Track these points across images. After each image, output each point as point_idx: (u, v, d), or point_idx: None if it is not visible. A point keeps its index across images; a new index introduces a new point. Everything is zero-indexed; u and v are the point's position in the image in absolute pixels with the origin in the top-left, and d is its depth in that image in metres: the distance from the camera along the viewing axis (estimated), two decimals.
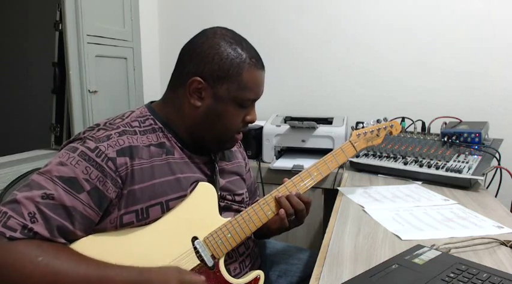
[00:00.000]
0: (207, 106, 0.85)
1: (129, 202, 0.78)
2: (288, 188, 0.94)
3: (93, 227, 0.77)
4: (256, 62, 0.87)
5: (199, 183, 0.87)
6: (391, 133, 1.19)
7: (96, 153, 0.76)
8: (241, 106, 0.87)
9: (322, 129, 1.71)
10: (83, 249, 0.74)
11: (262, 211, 0.90)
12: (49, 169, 0.74)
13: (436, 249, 0.80)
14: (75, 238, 0.74)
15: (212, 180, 0.91)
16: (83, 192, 0.74)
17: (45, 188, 0.72)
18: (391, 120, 1.71)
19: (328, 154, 1.03)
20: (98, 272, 0.70)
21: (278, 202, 0.90)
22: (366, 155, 1.56)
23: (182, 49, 0.90)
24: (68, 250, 0.72)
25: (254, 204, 0.90)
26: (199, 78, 0.83)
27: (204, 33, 0.88)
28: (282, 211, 0.90)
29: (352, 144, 1.09)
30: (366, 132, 1.12)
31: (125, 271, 0.72)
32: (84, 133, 0.81)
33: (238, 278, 0.88)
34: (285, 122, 1.80)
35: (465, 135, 1.47)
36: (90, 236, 0.76)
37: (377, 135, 1.15)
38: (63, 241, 0.72)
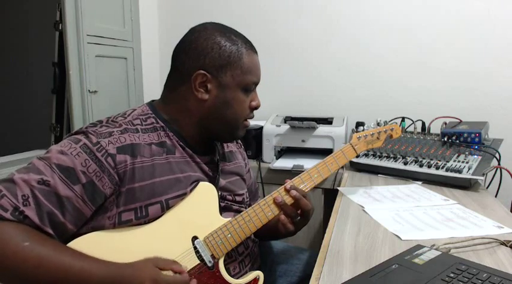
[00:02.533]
0: (215, 97, 0.86)
1: (128, 200, 0.78)
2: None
3: (91, 225, 0.77)
4: (251, 46, 0.90)
5: (200, 182, 0.87)
6: (391, 136, 1.20)
7: (97, 148, 0.76)
8: (246, 91, 0.89)
9: (322, 129, 1.71)
10: (83, 246, 0.74)
11: (262, 212, 0.90)
12: (49, 156, 0.75)
13: (436, 249, 0.80)
14: (65, 231, 0.74)
15: (213, 180, 0.91)
16: (78, 183, 0.74)
17: (42, 173, 0.72)
18: (391, 120, 1.72)
19: (329, 156, 1.03)
20: (81, 264, 0.70)
21: (281, 208, 0.90)
22: (366, 155, 1.56)
23: (175, 49, 0.90)
24: (54, 241, 0.73)
25: (254, 205, 0.90)
26: (202, 71, 0.84)
27: (193, 30, 0.89)
28: (282, 217, 0.91)
29: (352, 146, 1.09)
30: (366, 135, 1.13)
31: (106, 265, 0.72)
32: (86, 128, 0.81)
33: (237, 278, 0.88)
34: (285, 122, 1.80)
35: (465, 135, 1.47)
36: (89, 234, 0.77)
37: (377, 138, 1.15)
38: (51, 232, 0.72)
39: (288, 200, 0.91)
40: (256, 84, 0.92)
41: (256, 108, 0.93)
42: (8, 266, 0.67)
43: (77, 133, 0.80)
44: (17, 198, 0.70)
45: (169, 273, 0.76)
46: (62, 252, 0.70)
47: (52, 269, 0.68)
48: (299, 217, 0.92)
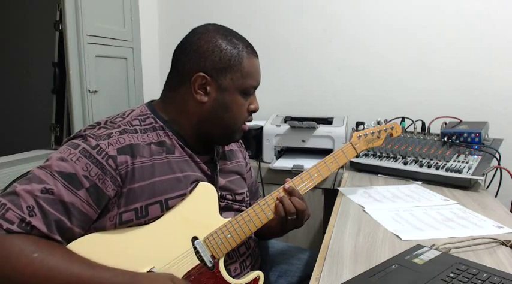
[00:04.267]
0: (214, 100, 0.86)
1: (129, 200, 0.78)
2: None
3: (92, 225, 0.77)
4: (252, 50, 0.89)
5: (200, 182, 0.87)
6: (391, 135, 1.20)
7: (96, 151, 0.76)
8: (245, 95, 0.89)
9: (322, 129, 1.71)
10: (83, 248, 0.74)
11: (262, 212, 0.90)
12: (50, 164, 0.75)
13: (436, 249, 0.80)
14: (72, 236, 0.74)
15: (212, 179, 0.91)
16: (82, 188, 0.74)
17: (45, 182, 0.72)
18: (391, 120, 1.72)
19: (329, 155, 1.03)
20: (91, 272, 0.70)
21: (280, 202, 0.90)
22: (366, 155, 1.56)
23: (176, 49, 0.90)
24: (63, 249, 0.72)
25: (254, 205, 0.90)
26: (202, 74, 0.84)
27: (195, 31, 0.89)
28: (281, 209, 0.90)
29: (352, 145, 1.09)
30: (366, 134, 1.13)
31: (118, 274, 0.72)
32: (85, 130, 0.81)
33: (238, 278, 0.88)
34: (285, 122, 1.80)
35: (465, 135, 1.47)
36: (90, 235, 0.77)
37: (377, 136, 1.15)
38: (59, 238, 0.72)
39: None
40: (256, 87, 0.92)
41: (254, 111, 0.93)
42: (19, 279, 0.67)
43: (75, 137, 0.80)
44: (22, 209, 0.69)
45: None
46: (71, 261, 0.70)
47: (62, 279, 0.68)
48: (295, 216, 0.91)
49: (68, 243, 0.74)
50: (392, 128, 1.18)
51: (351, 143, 1.09)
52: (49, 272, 0.67)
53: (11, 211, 0.69)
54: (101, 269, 0.71)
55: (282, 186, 0.93)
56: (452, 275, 0.67)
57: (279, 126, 1.77)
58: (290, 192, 0.92)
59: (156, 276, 0.75)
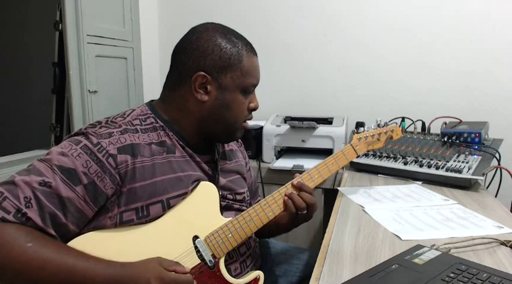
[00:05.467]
0: (214, 98, 0.86)
1: (130, 200, 0.78)
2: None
3: (92, 225, 0.78)
4: (251, 48, 0.90)
5: (201, 182, 0.87)
6: (391, 137, 1.20)
7: (97, 148, 0.76)
8: (245, 93, 0.89)
9: (322, 129, 1.71)
10: (83, 246, 0.74)
11: (263, 211, 0.90)
12: (50, 157, 0.75)
13: (436, 249, 0.80)
14: (67, 233, 0.74)
15: (213, 179, 0.91)
16: (80, 184, 0.74)
17: (44, 175, 0.72)
18: (391, 120, 1.72)
19: (330, 157, 1.03)
20: (85, 264, 0.70)
21: (289, 198, 0.91)
22: (366, 155, 1.56)
23: (175, 49, 0.90)
24: (57, 242, 0.73)
25: (255, 205, 0.90)
26: (203, 73, 0.84)
27: (194, 30, 0.89)
28: (291, 206, 0.91)
29: (353, 147, 1.09)
30: (366, 136, 1.13)
31: (110, 264, 0.72)
32: (86, 129, 0.81)
33: (238, 278, 0.88)
34: (285, 122, 1.80)
35: (465, 135, 1.47)
36: (90, 233, 0.77)
37: (378, 139, 1.15)
38: (53, 233, 0.72)
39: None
40: (255, 86, 0.92)
41: (254, 109, 0.93)
42: (12, 268, 0.67)
43: (76, 134, 0.80)
44: (19, 199, 0.70)
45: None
46: (65, 252, 0.71)
47: (55, 269, 0.68)
48: (305, 211, 0.92)
49: (63, 240, 0.74)
50: (392, 131, 1.19)
51: (351, 145, 1.09)
52: (43, 262, 0.67)
53: (8, 200, 0.69)
54: (94, 260, 0.72)
55: (290, 182, 0.94)
56: (452, 275, 0.67)
57: (279, 126, 1.77)
58: (299, 187, 0.92)
59: (143, 262, 0.75)
